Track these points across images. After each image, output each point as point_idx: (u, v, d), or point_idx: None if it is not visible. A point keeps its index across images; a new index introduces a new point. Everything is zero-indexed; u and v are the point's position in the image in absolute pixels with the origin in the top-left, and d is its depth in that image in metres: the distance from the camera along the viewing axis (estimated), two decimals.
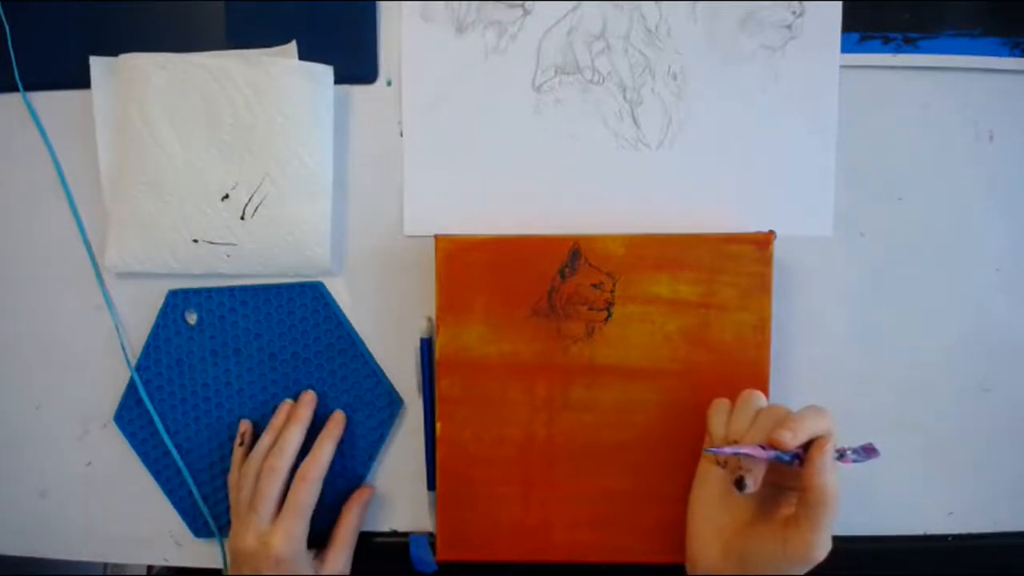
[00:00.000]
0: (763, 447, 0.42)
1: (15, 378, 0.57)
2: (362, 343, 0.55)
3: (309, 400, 0.54)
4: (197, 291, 0.55)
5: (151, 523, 0.57)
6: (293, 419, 0.52)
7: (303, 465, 0.50)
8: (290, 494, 0.50)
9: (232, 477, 0.53)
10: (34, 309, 0.57)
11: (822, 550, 0.42)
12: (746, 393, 0.47)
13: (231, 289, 0.55)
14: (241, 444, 0.54)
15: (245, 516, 0.49)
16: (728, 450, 0.43)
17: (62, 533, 0.58)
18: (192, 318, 0.55)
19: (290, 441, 0.51)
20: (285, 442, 0.51)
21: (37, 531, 0.58)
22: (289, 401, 0.55)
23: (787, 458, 0.42)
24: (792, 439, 0.41)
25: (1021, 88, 0.53)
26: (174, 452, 0.55)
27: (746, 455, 0.42)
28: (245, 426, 0.55)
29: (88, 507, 0.57)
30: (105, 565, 0.86)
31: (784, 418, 0.43)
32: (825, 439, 0.42)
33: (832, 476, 0.41)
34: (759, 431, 0.44)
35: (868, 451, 0.44)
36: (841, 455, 0.43)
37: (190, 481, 0.55)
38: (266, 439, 0.52)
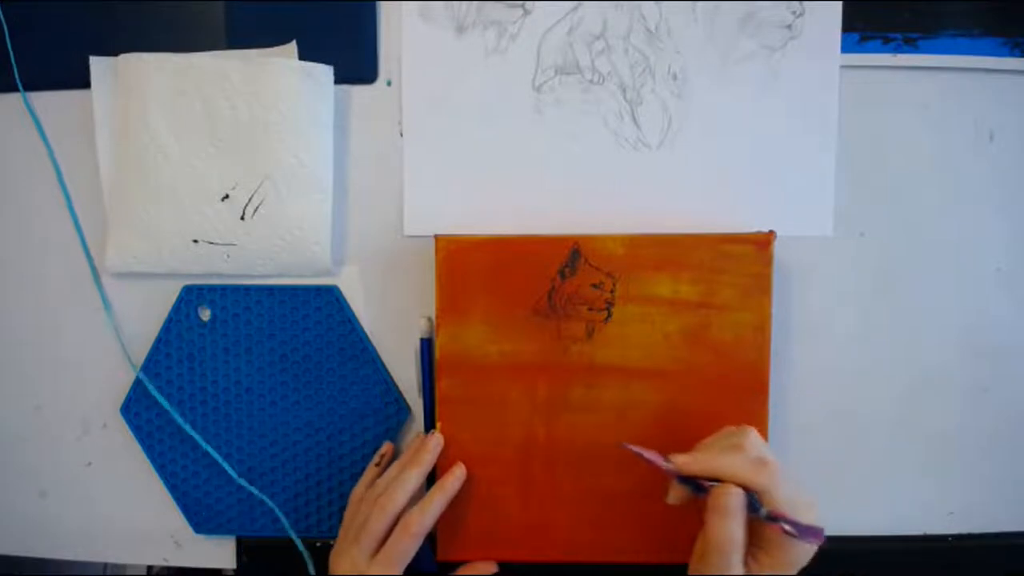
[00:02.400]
0: (666, 459, 0.43)
1: (15, 378, 0.57)
2: (374, 350, 0.55)
3: (436, 444, 0.51)
4: (212, 288, 0.55)
5: (151, 523, 0.57)
6: (416, 463, 0.50)
7: (409, 515, 0.48)
8: (391, 540, 0.47)
9: (356, 492, 0.52)
10: (34, 310, 0.57)
11: None
12: (745, 426, 0.46)
13: (247, 288, 0.55)
14: (377, 464, 0.53)
15: (350, 542, 0.48)
16: (635, 448, 0.45)
17: (62, 533, 0.58)
18: (206, 314, 0.55)
19: (406, 486, 0.49)
20: (402, 485, 0.49)
21: (37, 531, 0.58)
22: (422, 435, 0.53)
23: (691, 487, 0.43)
24: (683, 464, 0.42)
25: (1021, 88, 0.53)
26: (191, 432, 0.55)
27: (649, 460, 0.44)
28: (387, 448, 0.54)
29: (88, 507, 0.57)
30: (105, 565, 0.86)
31: (703, 444, 0.44)
32: (728, 486, 0.41)
33: (723, 525, 0.40)
34: (709, 450, 0.45)
35: (811, 533, 0.40)
36: (774, 518, 0.40)
37: (190, 476, 0.55)
38: (393, 471, 0.51)
